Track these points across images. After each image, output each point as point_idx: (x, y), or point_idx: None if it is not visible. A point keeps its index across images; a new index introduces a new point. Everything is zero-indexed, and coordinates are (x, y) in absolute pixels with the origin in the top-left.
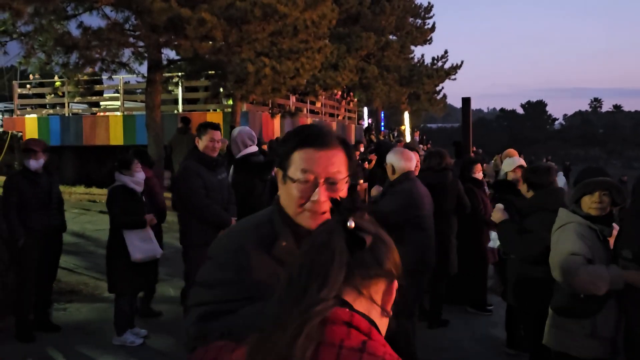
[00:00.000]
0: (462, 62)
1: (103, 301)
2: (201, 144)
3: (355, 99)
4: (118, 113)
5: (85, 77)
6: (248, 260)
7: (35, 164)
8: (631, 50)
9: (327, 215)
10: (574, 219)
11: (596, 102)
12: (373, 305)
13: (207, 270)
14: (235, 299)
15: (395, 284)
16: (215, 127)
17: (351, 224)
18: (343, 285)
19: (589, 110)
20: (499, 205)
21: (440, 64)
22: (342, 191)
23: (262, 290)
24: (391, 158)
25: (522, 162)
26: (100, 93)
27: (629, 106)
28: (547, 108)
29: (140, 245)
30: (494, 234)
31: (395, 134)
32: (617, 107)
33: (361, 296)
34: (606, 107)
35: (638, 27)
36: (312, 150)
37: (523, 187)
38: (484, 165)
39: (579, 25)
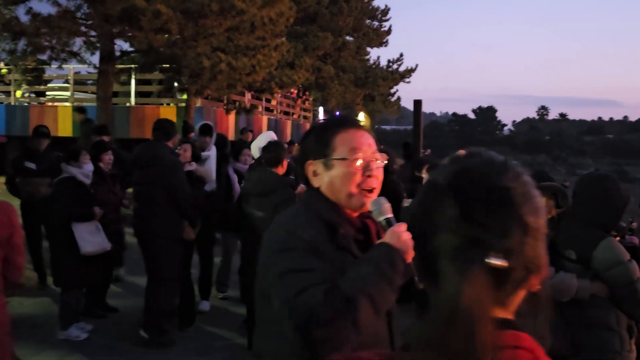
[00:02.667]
0: (416, 66)
1: (47, 295)
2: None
3: (311, 98)
4: (67, 104)
5: (34, 65)
6: (324, 249)
7: None
8: (576, 61)
9: (377, 192)
10: None
11: (543, 109)
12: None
13: (293, 260)
14: (328, 278)
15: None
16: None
17: (495, 261)
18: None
19: (537, 117)
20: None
21: (395, 66)
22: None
23: (338, 275)
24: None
25: None
26: (49, 82)
27: (573, 115)
28: (497, 114)
29: (90, 238)
30: None
31: None
32: (562, 116)
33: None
34: (552, 115)
35: (582, 39)
36: (354, 131)
37: None
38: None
39: (528, 35)
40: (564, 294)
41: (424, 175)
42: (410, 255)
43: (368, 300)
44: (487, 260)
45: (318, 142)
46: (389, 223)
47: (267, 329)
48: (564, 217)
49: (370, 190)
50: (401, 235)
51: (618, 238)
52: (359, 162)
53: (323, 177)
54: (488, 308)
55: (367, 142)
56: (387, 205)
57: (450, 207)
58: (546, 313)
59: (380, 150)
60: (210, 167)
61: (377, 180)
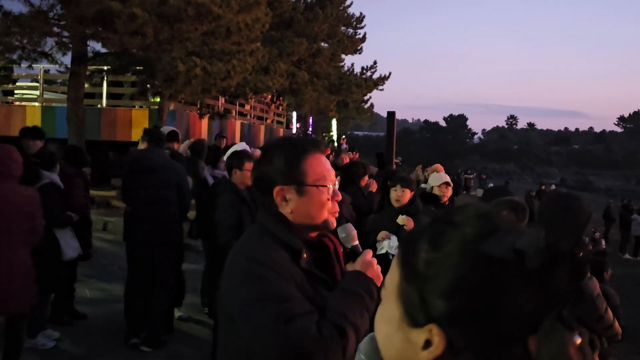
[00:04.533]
0: (390, 74)
1: None
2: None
3: (285, 104)
4: (36, 103)
5: (2, 64)
6: (286, 272)
7: None
8: (544, 72)
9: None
10: None
11: (512, 119)
12: None
13: (262, 286)
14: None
15: None
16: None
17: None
18: None
19: (506, 126)
20: (383, 232)
21: (369, 73)
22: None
23: (304, 298)
24: None
25: (448, 178)
26: (17, 81)
27: (541, 124)
28: (468, 122)
29: (72, 243)
30: (385, 242)
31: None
32: (530, 125)
33: None
34: (521, 124)
35: (551, 50)
36: (319, 154)
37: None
38: None
39: (497, 45)
40: None
41: (396, 189)
42: (380, 282)
43: (354, 330)
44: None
45: (289, 166)
46: (355, 251)
47: (230, 348)
48: None
49: (335, 212)
50: (373, 264)
51: (581, 254)
52: (330, 188)
53: (293, 202)
54: None
55: (329, 166)
56: (354, 233)
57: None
58: None
59: (357, 163)
60: None
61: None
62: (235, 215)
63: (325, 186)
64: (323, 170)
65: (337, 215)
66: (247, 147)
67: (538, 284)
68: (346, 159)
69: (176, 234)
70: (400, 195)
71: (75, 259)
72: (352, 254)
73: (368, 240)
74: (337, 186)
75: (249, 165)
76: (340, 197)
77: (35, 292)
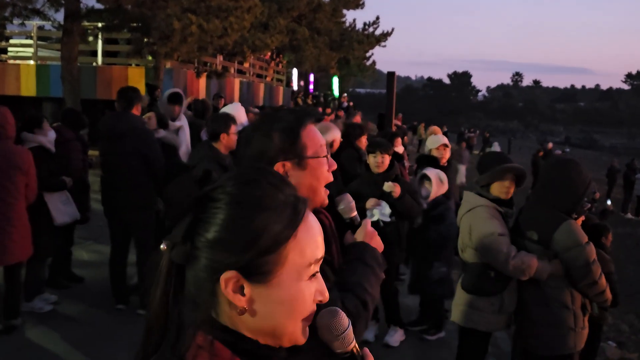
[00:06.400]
0: (392, 30)
1: None
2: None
3: (285, 61)
4: (31, 62)
5: None
6: None
7: None
8: (551, 28)
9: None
10: (482, 202)
11: (517, 76)
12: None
13: None
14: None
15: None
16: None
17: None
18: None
19: (511, 84)
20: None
21: (371, 29)
22: None
23: None
24: None
25: (445, 140)
26: (10, 39)
27: (547, 82)
28: (472, 79)
29: (63, 208)
30: (376, 210)
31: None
32: (536, 83)
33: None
34: (527, 81)
35: (558, 5)
36: (311, 126)
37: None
38: (405, 137)
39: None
40: (524, 274)
41: (398, 149)
42: (381, 251)
43: (372, 300)
44: None
45: (288, 141)
46: (355, 221)
47: None
48: (528, 199)
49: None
50: (375, 234)
51: (581, 220)
52: (327, 158)
53: (295, 177)
54: None
55: (321, 135)
56: (353, 204)
57: None
58: (511, 290)
59: (353, 124)
60: (184, 137)
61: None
62: None
63: (325, 156)
64: (320, 140)
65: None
66: (241, 109)
67: None
68: (358, 118)
69: (147, 199)
70: (381, 161)
71: (72, 222)
72: (351, 225)
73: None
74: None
75: (234, 129)
76: (335, 166)
77: (30, 242)
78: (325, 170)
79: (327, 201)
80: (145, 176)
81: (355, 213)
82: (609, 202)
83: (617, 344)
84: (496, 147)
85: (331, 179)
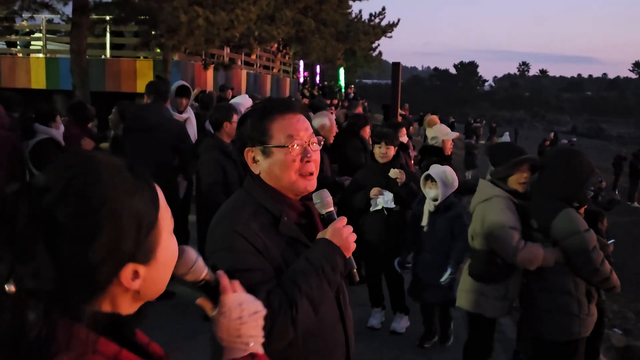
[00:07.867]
0: (398, 20)
1: None
2: None
3: (291, 52)
4: (40, 55)
5: (4, 14)
6: (264, 244)
7: None
8: (557, 17)
9: (315, 176)
10: (498, 192)
11: (524, 66)
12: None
13: (234, 259)
14: (271, 277)
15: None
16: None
17: None
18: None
19: (517, 73)
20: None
21: (377, 20)
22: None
23: (283, 266)
24: None
25: (456, 134)
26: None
27: (554, 71)
28: (478, 69)
29: None
30: (380, 198)
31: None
32: (543, 72)
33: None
34: (533, 71)
35: None
36: (290, 116)
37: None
38: (411, 127)
39: None
40: (532, 265)
41: (403, 139)
42: (350, 251)
43: (308, 301)
44: None
45: (255, 128)
46: (330, 217)
47: None
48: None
49: (310, 174)
50: (343, 232)
51: (583, 210)
52: (298, 148)
53: (262, 164)
54: None
55: (304, 127)
56: (329, 199)
57: None
58: (515, 279)
59: (356, 115)
60: (192, 130)
61: (315, 164)
62: (220, 171)
63: (292, 147)
64: (290, 130)
65: (312, 176)
66: (249, 101)
67: None
68: (359, 109)
69: (173, 190)
70: (385, 152)
71: None
72: (327, 221)
73: (355, 198)
74: (318, 146)
75: (236, 118)
76: (314, 157)
77: None
78: (289, 160)
79: (302, 188)
80: (171, 170)
81: (331, 209)
82: (616, 192)
83: (623, 331)
84: (506, 138)
85: (308, 169)
